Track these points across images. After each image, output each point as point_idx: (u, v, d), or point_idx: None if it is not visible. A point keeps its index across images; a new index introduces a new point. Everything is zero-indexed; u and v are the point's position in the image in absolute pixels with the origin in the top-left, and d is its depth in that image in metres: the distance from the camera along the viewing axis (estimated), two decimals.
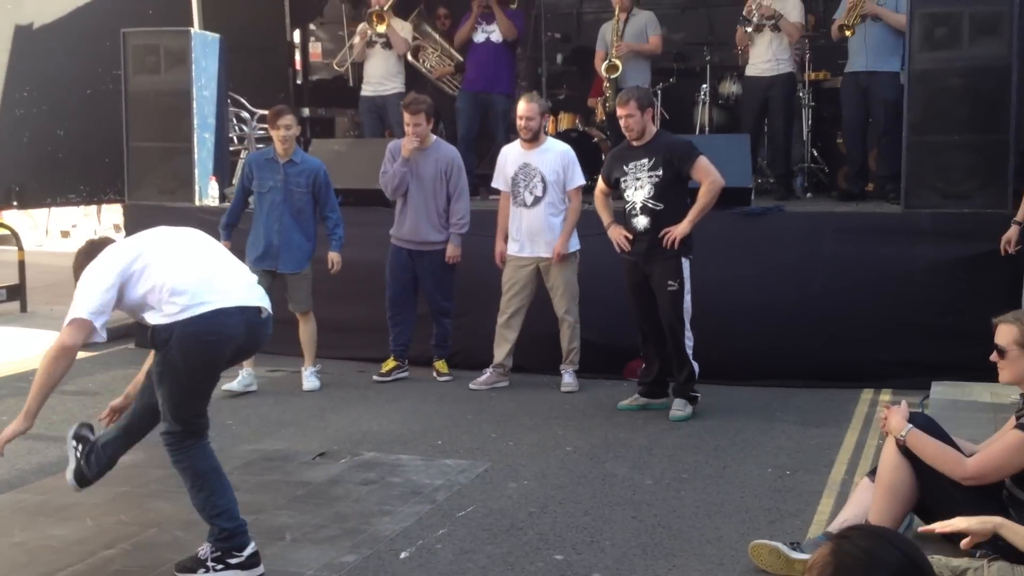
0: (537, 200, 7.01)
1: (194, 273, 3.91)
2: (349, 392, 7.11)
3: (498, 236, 7.18)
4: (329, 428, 6.22)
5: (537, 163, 7.01)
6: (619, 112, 6.36)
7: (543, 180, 6.99)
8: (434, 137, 7.41)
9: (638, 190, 6.30)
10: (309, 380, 7.20)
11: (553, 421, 6.35)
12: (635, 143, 6.37)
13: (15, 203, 10.08)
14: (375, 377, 7.36)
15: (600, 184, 6.64)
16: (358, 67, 10.89)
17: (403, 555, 4.28)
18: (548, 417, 6.44)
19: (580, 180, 7.07)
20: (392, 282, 7.36)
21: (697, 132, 9.20)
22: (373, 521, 4.66)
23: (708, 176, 6.24)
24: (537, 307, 7.13)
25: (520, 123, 7.02)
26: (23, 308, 9.75)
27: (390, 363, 7.41)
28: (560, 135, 9.01)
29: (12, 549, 4.35)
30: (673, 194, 6.29)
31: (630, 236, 6.37)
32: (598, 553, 4.30)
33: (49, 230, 16.07)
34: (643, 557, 4.26)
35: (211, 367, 3.99)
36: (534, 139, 7.02)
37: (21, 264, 9.85)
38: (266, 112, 9.17)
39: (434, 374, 7.43)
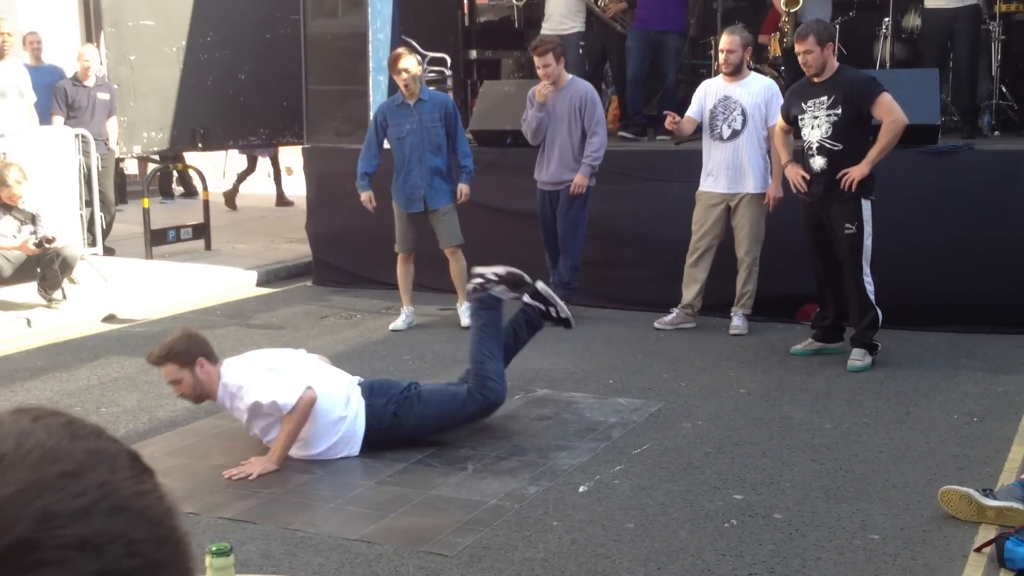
0: (735, 134, 6.91)
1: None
2: None
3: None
4: None
5: (738, 96, 6.91)
6: (797, 48, 6.14)
7: (743, 113, 6.88)
8: (568, 76, 7.31)
9: (815, 129, 6.08)
10: (466, 317, 7.30)
11: (724, 363, 6.29)
12: (815, 79, 6.14)
13: (200, 145, 10.54)
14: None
15: (779, 120, 6.47)
16: (525, 8, 10.88)
17: (582, 488, 4.35)
18: (719, 359, 6.38)
19: None
20: (543, 227, 7.36)
21: (878, 67, 8.83)
22: (551, 455, 4.74)
23: (890, 115, 5.94)
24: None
25: (721, 56, 6.97)
26: (207, 246, 10.21)
27: None
28: None
29: (212, 471, 4.59)
30: (853, 133, 6.02)
31: (807, 176, 6.15)
32: (778, 494, 4.26)
33: (226, 172, 16.69)
34: (825, 500, 4.20)
35: None
36: (736, 72, 6.93)
37: (206, 204, 10.30)
38: (437, 55, 9.32)
39: None
